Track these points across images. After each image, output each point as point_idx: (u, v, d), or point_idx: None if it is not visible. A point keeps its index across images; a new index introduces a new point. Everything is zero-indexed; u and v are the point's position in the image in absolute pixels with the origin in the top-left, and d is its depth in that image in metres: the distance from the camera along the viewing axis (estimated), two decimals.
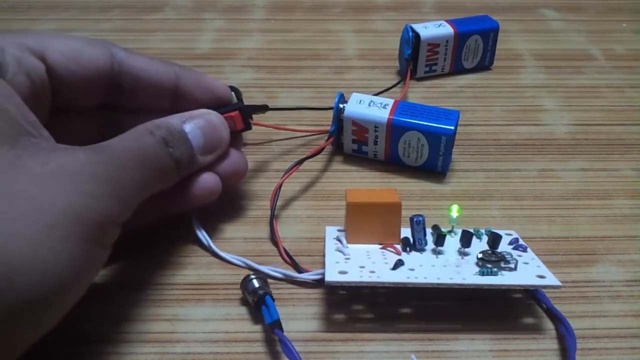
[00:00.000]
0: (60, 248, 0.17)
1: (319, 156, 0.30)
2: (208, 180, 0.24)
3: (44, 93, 0.22)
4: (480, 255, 0.22)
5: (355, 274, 0.21)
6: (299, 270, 0.24)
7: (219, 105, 0.26)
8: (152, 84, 0.24)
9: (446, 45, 0.37)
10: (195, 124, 0.23)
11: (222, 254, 0.25)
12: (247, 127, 0.27)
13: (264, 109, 0.29)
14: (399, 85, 0.37)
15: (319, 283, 0.23)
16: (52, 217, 0.17)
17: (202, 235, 0.25)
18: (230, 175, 0.25)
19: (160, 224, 0.25)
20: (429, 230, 0.24)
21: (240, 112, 0.26)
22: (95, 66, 0.23)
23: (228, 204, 0.28)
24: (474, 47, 0.38)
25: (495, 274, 0.21)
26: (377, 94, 0.35)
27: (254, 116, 0.27)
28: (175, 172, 0.22)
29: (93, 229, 0.18)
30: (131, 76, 0.24)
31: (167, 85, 0.25)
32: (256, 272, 0.24)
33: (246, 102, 0.29)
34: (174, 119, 0.23)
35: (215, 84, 0.26)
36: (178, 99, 0.25)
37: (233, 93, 0.27)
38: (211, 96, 0.26)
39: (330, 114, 0.31)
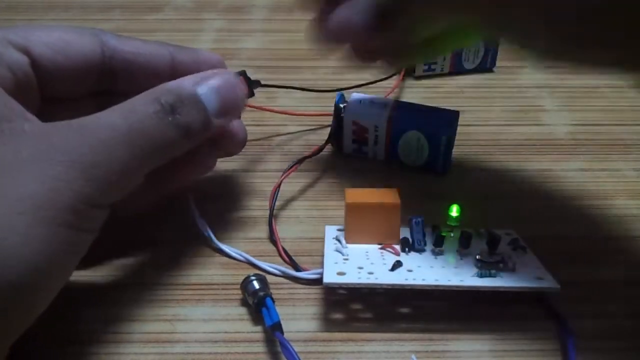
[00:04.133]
0: (30, 233, 0.17)
1: (318, 156, 0.30)
2: (205, 155, 0.24)
3: (30, 86, 0.21)
4: (479, 257, 0.22)
5: (354, 275, 0.21)
6: (298, 269, 0.24)
7: None
8: (146, 67, 0.24)
9: None
10: (209, 86, 0.22)
11: (223, 246, 0.25)
12: (251, 93, 0.26)
13: (256, 84, 0.28)
14: (391, 78, 0.37)
15: (318, 282, 0.23)
16: (21, 203, 0.17)
17: (204, 227, 0.25)
18: (229, 144, 0.25)
19: (157, 218, 0.25)
20: (428, 231, 0.24)
21: (244, 78, 0.26)
22: (83, 56, 0.23)
23: (228, 204, 0.28)
24: (475, 48, 0.38)
25: (493, 275, 0.21)
26: (363, 85, 0.35)
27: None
28: (182, 141, 0.21)
29: (65, 212, 0.17)
30: (124, 62, 0.24)
31: (163, 67, 0.24)
32: (255, 266, 0.24)
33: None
34: (185, 82, 0.22)
35: (211, 57, 0.26)
36: (176, 77, 0.24)
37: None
38: (208, 69, 0.25)
39: (327, 105, 0.30)
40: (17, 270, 0.16)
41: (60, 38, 0.22)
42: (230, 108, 0.23)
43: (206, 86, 0.22)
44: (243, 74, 0.26)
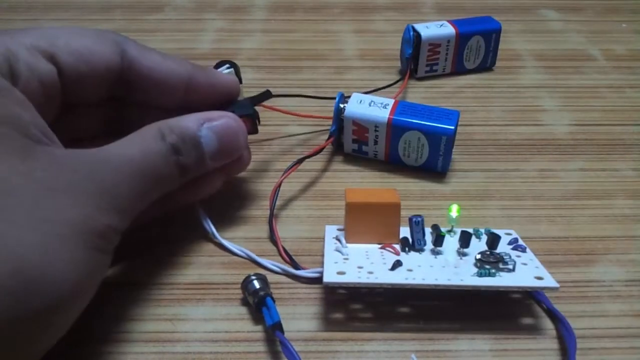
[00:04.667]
0: (69, 257, 0.17)
1: (319, 156, 0.30)
2: (212, 178, 0.25)
3: (55, 94, 0.22)
4: (478, 256, 0.22)
5: (354, 275, 0.21)
6: (298, 269, 0.24)
7: (228, 101, 0.26)
8: (162, 84, 0.24)
9: (447, 46, 0.37)
10: (212, 128, 0.23)
11: (225, 242, 0.25)
12: (254, 131, 0.27)
13: (267, 96, 0.28)
14: (397, 84, 0.37)
15: (318, 281, 0.23)
16: (63, 228, 0.17)
17: (207, 223, 0.26)
18: (234, 168, 0.26)
19: (157, 218, 0.25)
20: (428, 230, 0.24)
21: (250, 118, 0.26)
22: (104, 66, 0.22)
23: (228, 204, 0.28)
24: (476, 47, 0.38)
25: (493, 275, 0.21)
26: (372, 91, 0.35)
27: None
28: (178, 178, 0.22)
29: (97, 238, 0.18)
30: (141, 75, 0.24)
31: (178, 85, 0.24)
32: (256, 264, 0.24)
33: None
34: (190, 122, 0.22)
35: (227, 81, 0.26)
36: (189, 96, 0.25)
37: (232, 69, 0.27)
38: (222, 93, 0.25)
39: (330, 106, 0.31)
40: (58, 295, 0.17)
41: (84, 45, 0.22)
42: (228, 153, 0.24)
43: (208, 129, 0.23)
44: (252, 117, 0.26)
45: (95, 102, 0.24)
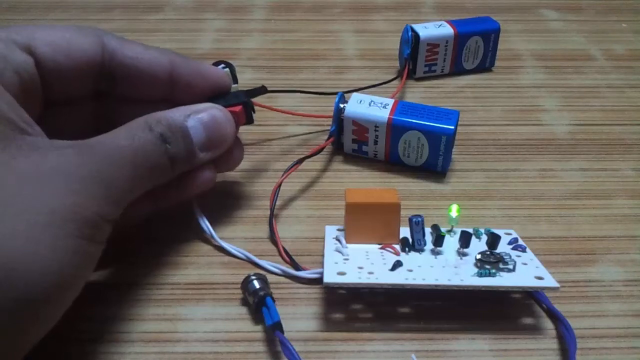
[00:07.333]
0: (57, 245, 0.17)
1: (319, 156, 0.30)
2: (204, 173, 0.24)
3: (34, 87, 0.21)
4: (478, 256, 0.22)
5: (354, 275, 0.21)
6: (298, 269, 0.24)
7: (218, 93, 0.25)
8: (145, 73, 0.24)
9: (446, 46, 0.37)
10: (199, 119, 0.23)
11: (224, 243, 0.25)
12: (250, 121, 0.26)
13: (262, 91, 0.28)
14: (394, 81, 0.37)
15: (318, 281, 0.23)
16: (48, 216, 0.17)
17: (205, 224, 0.26)
18: (225, 163, 0.26)
19: (157, 218, 0.25)
20: (428, 230, 0.24)
21: (243, 107, 0.25)
22: (84, 57, 0.22)
23: (228, 204, 0.28)
24: (474, 48, 0.38)
25: (493, 275, 0.21)
26: (368, 87, 0.35)
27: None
28: (169, 169, 0.22)
29: (86, 226, 0.18)
30: (123, 66, 0.23)
31: (161, 75, 0.24)
32: (255, 265, 0.24)
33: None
34: (176, 114, 0.22)
35: (214, 72, 0.25)
36: (174, 88, 0.25)
37: (228, 69, 0.27)
38: (209, 84, 0.25)
39: (330, 106, 0.31)
40: (44, 285, 0.16)
41: (61, 37, 0.22)
42: (217, 144, 0.24)
43: (194, 120, 0.23)
44: (244, 103, 0.26)
45: (79, 97, 0.24)
